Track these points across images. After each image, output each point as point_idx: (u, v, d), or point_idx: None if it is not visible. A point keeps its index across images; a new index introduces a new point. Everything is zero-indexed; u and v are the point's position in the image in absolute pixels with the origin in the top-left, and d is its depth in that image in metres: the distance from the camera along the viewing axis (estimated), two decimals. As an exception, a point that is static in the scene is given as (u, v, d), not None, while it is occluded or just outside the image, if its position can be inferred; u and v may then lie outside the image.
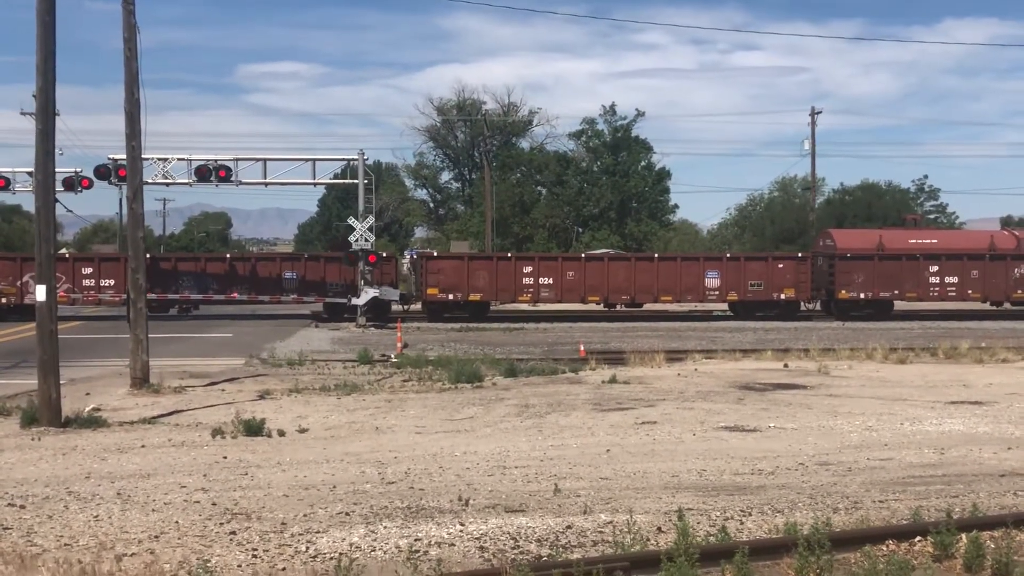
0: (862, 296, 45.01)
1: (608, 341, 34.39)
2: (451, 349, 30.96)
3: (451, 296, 43.78)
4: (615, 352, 29.19)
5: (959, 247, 46.30)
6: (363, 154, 42.47)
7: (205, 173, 41.06)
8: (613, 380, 22.34)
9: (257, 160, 42.79)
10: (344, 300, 42.73)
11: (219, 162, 41.49)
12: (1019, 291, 45.73)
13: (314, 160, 43.19)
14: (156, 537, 9.76)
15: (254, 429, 16.03)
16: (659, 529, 9.96)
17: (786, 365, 25.68)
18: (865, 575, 8.10)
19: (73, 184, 42.16)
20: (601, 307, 45.78)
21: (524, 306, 47.99)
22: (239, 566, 8.84)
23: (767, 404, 19.22)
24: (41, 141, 17.47)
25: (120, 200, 74.32)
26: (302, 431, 16.44)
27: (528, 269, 44.30)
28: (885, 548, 9.28)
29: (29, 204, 75.89)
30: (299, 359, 26.78)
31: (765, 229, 75.14)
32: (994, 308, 47.49)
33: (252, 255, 55.26)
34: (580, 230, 77.98)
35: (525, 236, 75.50)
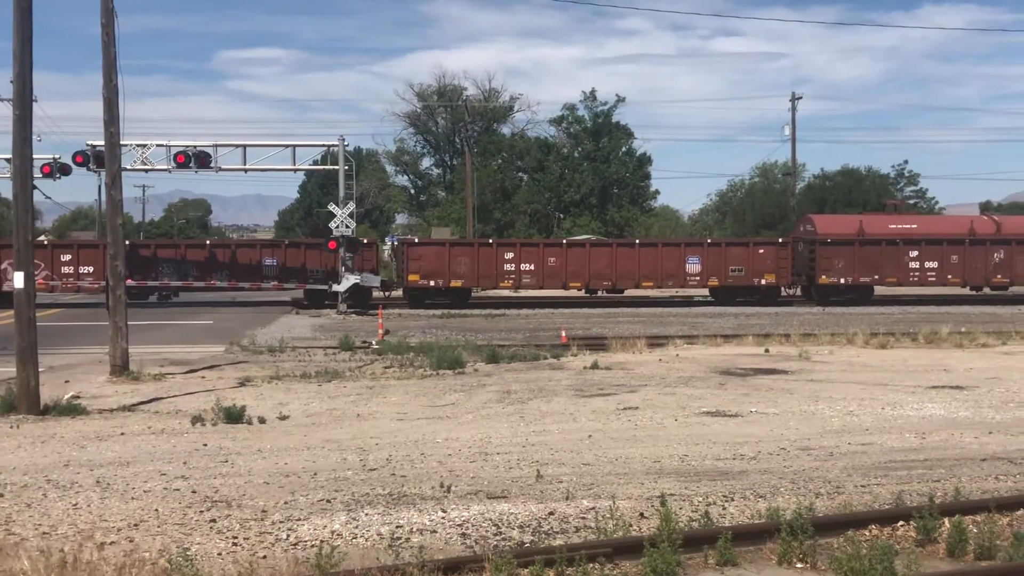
0: (842, 281, 45.11)
1: (590, 327, 34.38)
2: (433, 335, 30.89)
3: (432, 282, 43.70)
4: (597, 338, 29.18)
5: (939, 232, 46.42)
6: (343, 140, 42.38)
7: (184, 159, 40.94)
8: (595, 366, 22.33)
9: (237, 146, 42.62)
10: (325, 287, 42.58)
11: (199, 148, 41.33)
12: (998, 276, 45.92)
13: (294, 146, 43.11)
14: (136, 525, 9.69)
15: (234, 416, 15.96)
16: (642, 515, 9.95)
17: (767, 350, 25.71)
18: (848, 560, 8.09)
19: (52, 171, 41.92)
20: (582, 293, 45.77)
21: (506, 292, 47.97)
22: (219, 554, 8.78)
23: (748, 389, 19.25)
24: (19, 127, 17.33)
25: (99, 187, 73.90)
26: (283, 418, 16.37)
27: (509, 255, 44.23)
28: (868, 533, 9.29)
29: (7, 191, 75.56)
30: (280, 346, 26.67)
31: (746, 215, 75.39)
32: (974, 293, 47.73)
33: (232, 241, 55.07)
34: (561, 216, 78.00)
35: (506, 222, 75.49)
